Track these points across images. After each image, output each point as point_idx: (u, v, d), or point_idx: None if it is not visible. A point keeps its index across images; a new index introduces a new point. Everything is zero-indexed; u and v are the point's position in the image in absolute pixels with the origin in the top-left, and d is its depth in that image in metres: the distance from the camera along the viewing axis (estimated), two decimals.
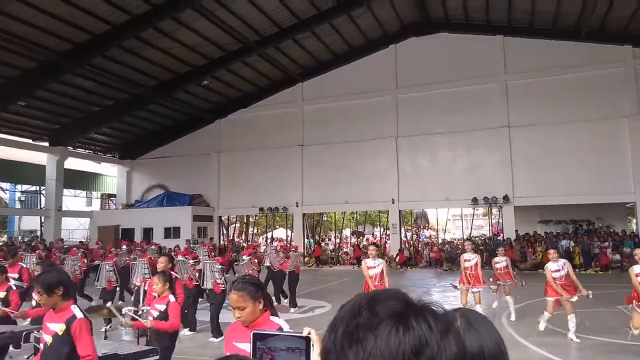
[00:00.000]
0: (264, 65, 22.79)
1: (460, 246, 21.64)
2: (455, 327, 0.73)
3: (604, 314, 9.51)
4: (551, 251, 8.17)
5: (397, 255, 22.28)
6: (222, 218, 27.85)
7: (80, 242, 22.24)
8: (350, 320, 0.70)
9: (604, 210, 22.19)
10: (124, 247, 13.10)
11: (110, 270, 10.18)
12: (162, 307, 5.02)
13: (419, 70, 22.65)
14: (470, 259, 9.32)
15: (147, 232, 25.40)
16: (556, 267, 7.84)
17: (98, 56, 18.41)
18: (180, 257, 10.05)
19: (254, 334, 0.98)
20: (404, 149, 23.15)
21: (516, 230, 21.46)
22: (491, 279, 9.96)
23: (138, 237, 25.00)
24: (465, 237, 24.54)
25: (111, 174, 29.99)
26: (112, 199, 30.72)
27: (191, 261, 9.79)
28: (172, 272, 7.19)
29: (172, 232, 24.64)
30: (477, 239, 25.85)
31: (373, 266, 7.84)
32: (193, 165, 26.56)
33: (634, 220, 21.93)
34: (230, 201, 26.11)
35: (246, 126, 25.71)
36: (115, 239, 24.03)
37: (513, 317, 9.28)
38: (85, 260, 11.57)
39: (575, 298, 7.66)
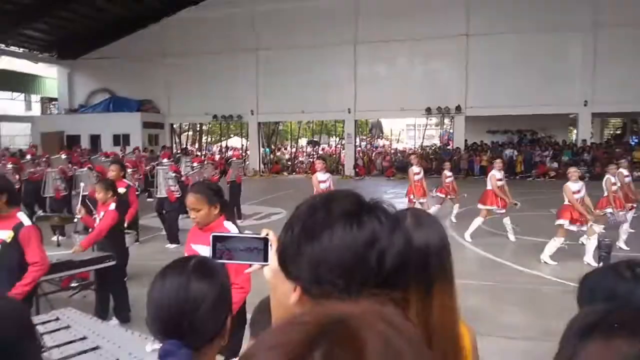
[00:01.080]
0: None
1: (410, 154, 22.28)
2: (402, 224, 0.78)
3: (536, 217, 10.33)
4: (571, 169, 7.39)
5: (354, 167, 22.75)
6: (174, 125, 27.06)
7: (12, 154, 19.33)
8: (306, 219, 0.74)
9: (549, 121, 23.19)
10: (63, 155, 12.39)
11: (58, 179, 9.85)
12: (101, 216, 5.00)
13: None
14: (418, 172, 9.76)
15: (95, 140, 24.42)
16: (577, 188, 7.06)
17: None
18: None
19: (213, 236, 1.00)
20: (363, 57, 22.65)
21: (465, 140, 22.25)
22: (434, 190, 10.56)
23: (85, 145, 24.07)
24: (412, 150, 25.34)
25: (50, 76, 27.81)
26: (53, 103, 28.86)
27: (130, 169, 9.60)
28: (124, 180, 7.07)
29: (121, 140, 23.81)
30: (427, 148, 26.76)
31: (324, 180, 8.18)
32: (141, 69, 24.96)
33: (575, 131, 23.17)
34: (182, 108, 25.17)
35: (197, 27, 24.03)
36: (60, 146, 23.02)
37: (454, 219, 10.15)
38: (18, 176, 10.45)
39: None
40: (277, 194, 15.86)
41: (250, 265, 0.99)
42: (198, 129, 31.34)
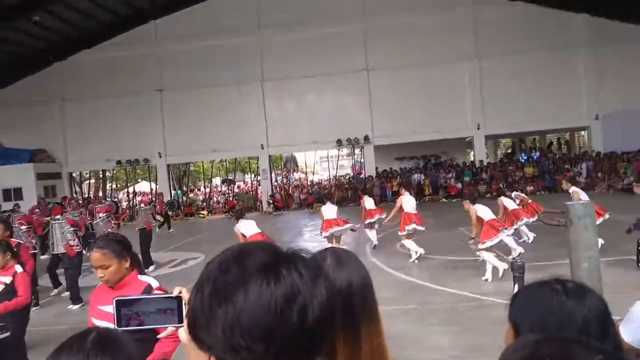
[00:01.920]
0: None
1: (326, 187, 22.76)
2: (324, 270, 0.73)
3: (447, 236, 10.90)
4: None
5: (273, 201, 22.45)
6: (74, 174, 25.20)
7: None
8: (218, 278, 0.67)
9: (449, 145, 24.96)
10: None
11: None
12: (8, 280, 4.48)
13: (282, 9, 22.07)
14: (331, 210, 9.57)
15: None
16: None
17: None
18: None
19: (116, 300, 0.89)
20: (271, 94, 22.97)
21: (376, 168, 23.19)
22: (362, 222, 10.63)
23: None
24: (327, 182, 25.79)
25: None
26: None
27: (24, 227, 8.76)
28: (12, 239, 6.34)
29: (12, 194, 21.59)
30: (341, 177, 27.47)
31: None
32: (31, 116, 23.07)
33: (472, 153, 25.15)
34: (82, 155, 23.57)
35: (93, 70, 22.90)
36: None
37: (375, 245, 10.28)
38: None
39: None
40: (194, 237, 15.23)
41: (165, 329, 0.91)
42: (101, 176, 29.46)
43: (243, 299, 0.63)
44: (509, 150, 29.90)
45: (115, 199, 23.27)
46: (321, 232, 9.43)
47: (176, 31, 22.41)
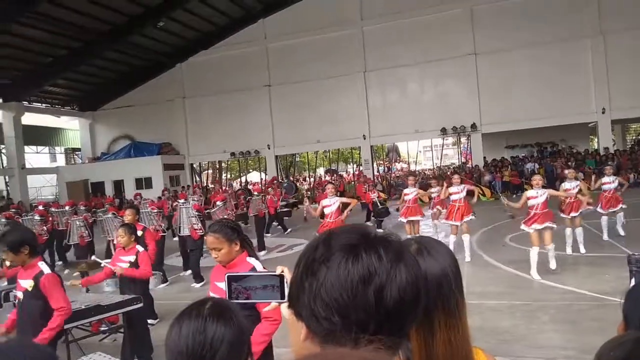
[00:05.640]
0: (222, 1, 21.67)
1: (431, 176, 22.13)
2: (407, 255, 0.75)
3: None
4: (536, 177, 7.59)
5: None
6: (194, 165, 27.55)
7: (41, 206, 19.73)
8: (309, 255, 0.74)
9: (568, 132, 22.86)
10: (82, 207, 12.55)
11: (82, 226, 10.09)
12: (132, 258, 5.14)
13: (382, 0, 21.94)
14: (409, 193, 9.45)
15: (118, 185, 25.00)
16: (534, 194, 7.22)
17: (43, 2, 17.09)
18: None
19: (228, 276, 1.01)
20: (373, 84, 22.92)
21: (484, 157, 22.03)
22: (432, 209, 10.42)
23: (109, 191, 24.61)
24: (411, 171, 25.00)
25: (73, 128, 28.86)
26: (77, 153, 29.79)
27: (155, 210, 9.79)
28: (139, 223, 7.17)
29: (143, 183, 24.30)
30: (445, 167, 26.56)
31: (329, 204, 8.22)
32: (158, 113, 25.73)
33: (595, 139, 22.76)
34: (201, 147, 25.71)
35: (210, 69, 24.79)
36: (85, 194, 23.63)
37: (468, 258, 8.47)
38: (45, 228, 10.71)
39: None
40: (299, 225, 15.84)
41: (268, 304, 1.01)
42: (218, 166, 31.81)
43: (324, 275, 0.70)
44: None
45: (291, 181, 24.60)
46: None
47: (282, 28, 23.33)
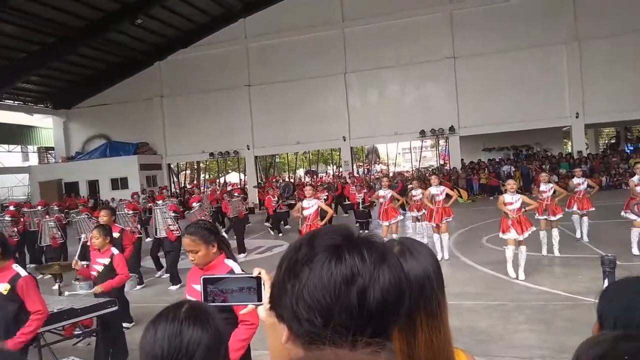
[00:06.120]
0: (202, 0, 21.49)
1: (409, 178, 22.35)
2: (391, 256, 0.74)
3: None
4: (510, 181, 7.73)
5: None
6: (172, 165, 27.18)
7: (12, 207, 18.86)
8: (291, 256, 0.73)
9: (543, 135, 23.35)
10: (55, 207, 12.24)
11: (54, 227, 9.84)
12: (106, 261, 5.03)
13: (364, 1, 22.05)
14: (383, 195, 9.54)
15: (93, 185, 24.49)
16: (510, 200, 7.29)
17: None
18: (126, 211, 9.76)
19: (203, 278, 0.99)
20: (353, 85, 23.01)
21: (462, 160, 22.34)
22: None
23: (83, 191, 24.10)
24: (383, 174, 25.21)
25: (46, 126, 28.11)
26: (50, 152, 29.06)
27: (130, 212, 9.63)
28: (115, 225, 7.02)
29: (119, 183, 23.86)
30: (424, 170, 26.86)
31: (307, 207, 8.25)
32: (135, 112, 25.27)
33: (569, 143, 23.30)
34: (179, 147, 25.36)
35: (189, 68, 24.49)
36: (58, 194, 23.08)
37: (446, 256, 8.75)
38: (16, 229, 10.36)
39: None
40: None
41: (245, 307, 0.99)
42: (196, 167, 31.49)
43: (307, 276, 0.69)
44: (613, 141, 27.29)
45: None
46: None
47: (263, 28, 23.22)
